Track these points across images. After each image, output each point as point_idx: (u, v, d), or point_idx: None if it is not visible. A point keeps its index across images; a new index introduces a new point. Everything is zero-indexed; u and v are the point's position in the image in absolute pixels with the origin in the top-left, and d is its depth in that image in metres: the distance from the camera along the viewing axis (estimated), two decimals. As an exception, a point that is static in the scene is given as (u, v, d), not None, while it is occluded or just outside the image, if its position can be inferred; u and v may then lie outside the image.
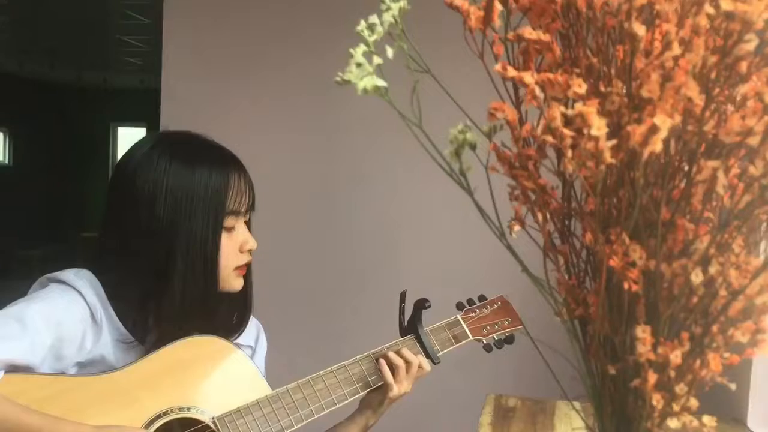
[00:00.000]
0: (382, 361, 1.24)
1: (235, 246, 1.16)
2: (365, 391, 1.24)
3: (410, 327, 1.31)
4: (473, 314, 1.38)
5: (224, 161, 1.15)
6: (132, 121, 10.02)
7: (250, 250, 1.19)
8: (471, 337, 1.35)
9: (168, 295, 1.10)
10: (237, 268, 1.17)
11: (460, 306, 1.39)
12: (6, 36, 7.47)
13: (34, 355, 1.01)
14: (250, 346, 1.29)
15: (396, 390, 1.23)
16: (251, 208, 1.19)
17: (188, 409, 1.10)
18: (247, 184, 1.17)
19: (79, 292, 1.08)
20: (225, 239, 1.14)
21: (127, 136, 10.23)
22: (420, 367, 1.26)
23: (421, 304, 1.30)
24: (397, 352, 1.25)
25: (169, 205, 1.10)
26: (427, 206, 2.34)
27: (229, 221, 1.14)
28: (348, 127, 2.41)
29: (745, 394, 1.52)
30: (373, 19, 0.57)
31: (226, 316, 1.22)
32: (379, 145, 2.35)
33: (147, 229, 1.10)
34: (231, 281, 1.17)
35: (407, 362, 1.24)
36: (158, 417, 1.07)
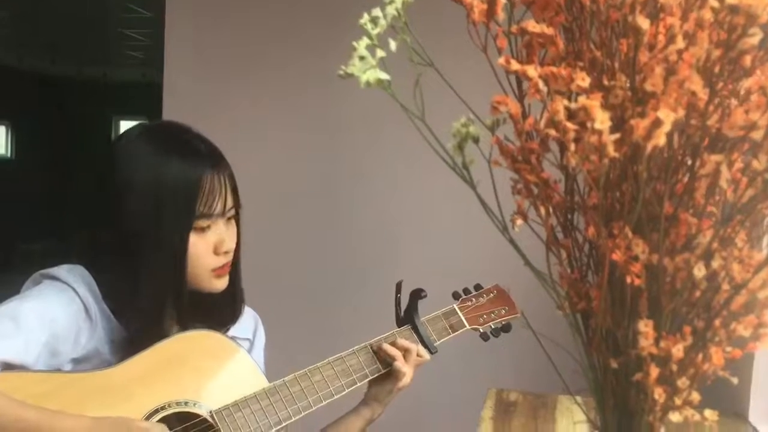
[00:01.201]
0: (387, 350, 1.24)
1: (209, 247, 1.12)
2: (362, 382, 1.24)
3: (407, 317, 1.31)
4: (469, 303, 1.37)
5: (198, 159, 1.11)
6: (133, 115, 10.01)
7: (227, 252, 1.14)
8: (467, 326, 1.35)
9: (142, 291, 1.09)
10: (214, 270, 1.14)
11: (456, 295, 1.39)
12: (6, 30, 7.45)
13: (28, 353, 1.01)
14: (248, 339, 1.28)
15: (406, 377, 1.24)
16: (236, 206, 1.15)
17: (186, 404, 1.10)
18: (223, 184, 1.12)
19: (73, 288, 1.08)
20: (197, 240, 1.11)
21: (129, 130, 10.21)
22: (419, 355, 1.26)
23: (417, 294, 1.30)
24: (394, 342, 1.25)
25: (139, 201, 1.08)
26: (429, 201, 2.34)
27: (200, 222, 1.10)
28: (349, 123, 2.41)
29: (746, 389, 1.52)
30: (376, 12, 0.57)
31: (215, 313, 1.21)
32: (381, 140, 2.35)
33: (123, 224, 1.09)
34: (210, 282, 1.14)
35: (406, 350, 1.25)
36: (156, 412, 1.07)
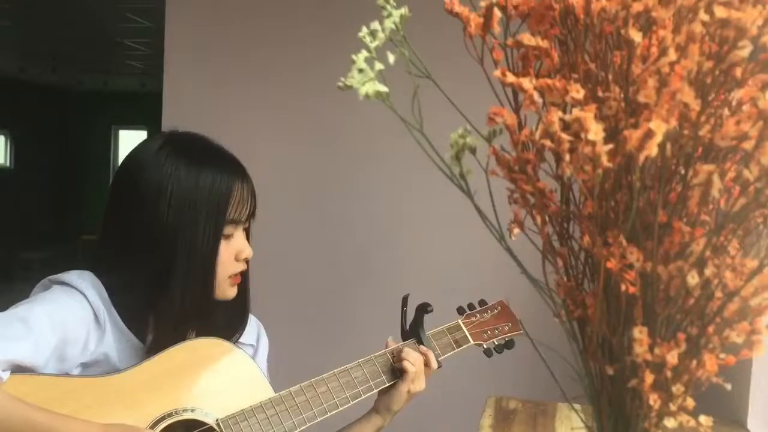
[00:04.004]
0: (402, 358, 1.25)
1: (232, 254, 1.16)
2: (367, 395, 1.25)
3: (412, 331, 1.32)
4: (474, 319, 1.38)
5: (229, 168, 1.15)
6: (133, 124, 10.04)
7: (245, 259, 1.18)
8: (472, 342, 1.36)
9: (167, 298, 1.10)
10: (231, 277, 1.17)
11: (460, 311, 1.40)
12: (7, 39, 7.47)
13: (38, 355, 1.02)
14: (251, 345, 1.29)
15: (420, 383, 1.25)
16: (252, 215, 1.19)
17: (192, 411, 1.10)
18: (249, 193, 1.17)
19: (83, 294, 1.09)
20: (223, 247, 1.14)
21: (128, 139, 10.26)
22: (427, 364, 1.27)
23: (424, 309, 1.31)
24: (400, 355, 1.26)
25: (172, 208, 1.10)
26: (427, 210, 2.35)
27: (228, 229, 1.14)
28: (350, 132, 2.42)
29: (745, 395, 1.53)
30: (375, 25, 0.58)
31: (223, 320, 1.22)
32: (380, 151, 2.36)
33: (148, 231, 1.10)
34: (224, 289, 1.17)
35: (413, 363, 1.26)
36: (162, 419, 1.08)
